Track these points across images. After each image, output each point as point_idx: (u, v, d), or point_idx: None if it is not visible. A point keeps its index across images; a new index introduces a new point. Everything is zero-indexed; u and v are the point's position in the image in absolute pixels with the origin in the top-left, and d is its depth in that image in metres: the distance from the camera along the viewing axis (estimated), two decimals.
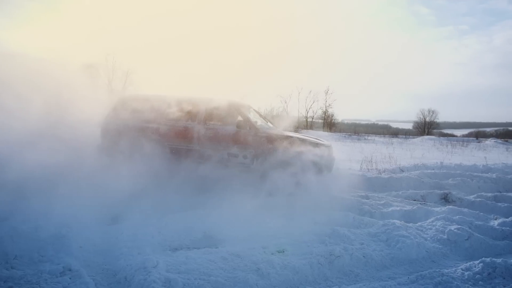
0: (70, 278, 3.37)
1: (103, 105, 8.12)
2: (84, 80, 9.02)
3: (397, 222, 5.17)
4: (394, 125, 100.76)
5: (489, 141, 34.42)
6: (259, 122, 7.62)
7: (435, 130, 67.18)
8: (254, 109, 8.32)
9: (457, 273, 3.77)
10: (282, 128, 8.18)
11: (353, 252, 4.18)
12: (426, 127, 68.77)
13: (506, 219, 5.84)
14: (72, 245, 4.11)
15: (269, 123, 8.18)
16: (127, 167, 6.65)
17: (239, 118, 7.29)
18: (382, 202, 6.62)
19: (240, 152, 7.05)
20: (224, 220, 5.32)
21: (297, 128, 25.34)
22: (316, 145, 7.12)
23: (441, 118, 78.47)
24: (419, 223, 5.38)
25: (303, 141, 7.10)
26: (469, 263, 4.03)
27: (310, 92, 53.77)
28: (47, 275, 3.38)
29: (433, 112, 71.66)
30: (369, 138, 33.68)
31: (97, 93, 8.88)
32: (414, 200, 7.27)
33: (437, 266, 4.20)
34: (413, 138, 37.19)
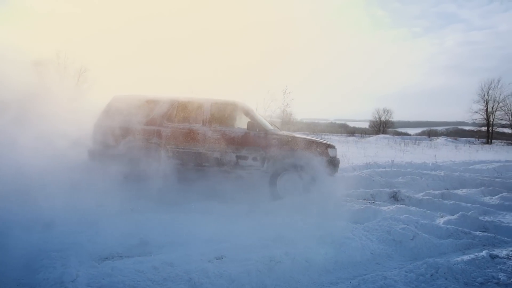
0: None
1: (55, 103, 7.54)
2: (34, 77, 8.43)
3: (343, 223, 5.04)
4: (351, 124, 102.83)
5: (440, 139, 35.90)
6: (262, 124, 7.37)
7: (390, 129, 69.52)
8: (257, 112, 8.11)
9: (401, 275, 3.64)
10: (285, 129, 8.04)
11: (295, 257, 3.96)
12: (381, 126, 70.92)
13: (452, 216, 5.88)
14: None
15: (274, 126, 7.92)
16: (111, 171, 6.26)
17: (248, 119, 7.09)
18: (332, 202, 6.48)
19: (250, 154, 6.83)
20: (163, 225, 5.01)
21: None
22: (327, 146, 7.00)
23: (396, 117, 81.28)
24: (366, 224, 5.25)
25: (314, 143, 6.97)
26: (413, 264, 3.94)
27: (268, 91, 53.89)
28: None
29: (388, 111, 74.09)
30: (326, 137, 34.17)
31: (47, 91, 8.29)
32: (364, 200, 7.22)
33: (381, 269, 4.05)
34: (369, 136, 38.21)
